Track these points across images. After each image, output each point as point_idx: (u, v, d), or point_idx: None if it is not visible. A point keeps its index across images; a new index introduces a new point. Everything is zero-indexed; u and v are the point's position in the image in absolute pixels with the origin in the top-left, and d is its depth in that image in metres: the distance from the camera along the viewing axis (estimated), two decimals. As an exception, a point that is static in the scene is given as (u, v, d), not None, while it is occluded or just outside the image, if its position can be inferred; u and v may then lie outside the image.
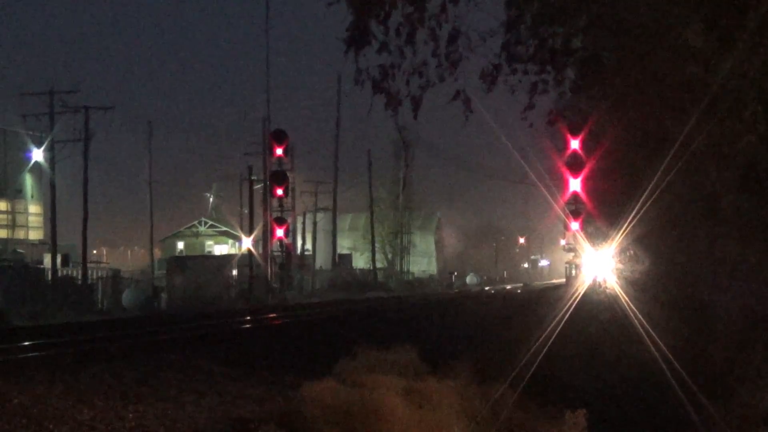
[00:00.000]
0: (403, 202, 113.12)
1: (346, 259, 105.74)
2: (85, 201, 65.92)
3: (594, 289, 35.88)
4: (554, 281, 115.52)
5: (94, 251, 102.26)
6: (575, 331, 26.37)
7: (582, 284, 31.51)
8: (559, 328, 23.65)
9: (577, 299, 28.12)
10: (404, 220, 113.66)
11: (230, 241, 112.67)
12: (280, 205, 69.03)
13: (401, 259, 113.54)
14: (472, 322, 37.81)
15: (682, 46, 13.79)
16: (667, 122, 16.00)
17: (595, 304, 32.17)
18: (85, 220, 65.91)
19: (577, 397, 18.85)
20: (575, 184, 31.10)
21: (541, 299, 42.73)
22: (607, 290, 29.06)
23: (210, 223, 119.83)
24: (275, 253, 71.97)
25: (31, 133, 71.84)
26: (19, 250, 79.73)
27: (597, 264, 32.07)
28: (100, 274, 66.84)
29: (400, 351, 21.37)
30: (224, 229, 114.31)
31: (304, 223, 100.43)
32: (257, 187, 74.93)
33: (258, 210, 73.12)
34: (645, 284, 26.10)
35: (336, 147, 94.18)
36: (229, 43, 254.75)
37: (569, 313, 25.30)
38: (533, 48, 15.07)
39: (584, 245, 34.74)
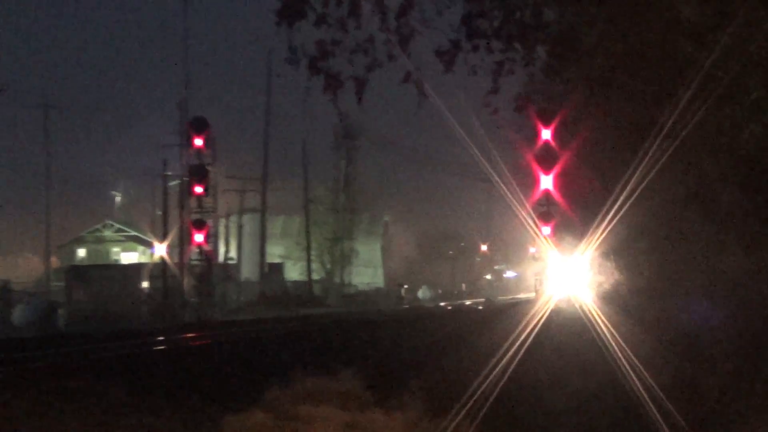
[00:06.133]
0: (344, 202, 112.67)
1: (277, 269, 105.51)
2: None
3: (564, 309, 35.92)
4: (522, 296, 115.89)
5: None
6: (544, 354, 26.40)
7: (549, 300, 31.52)
8: (524, 350, 23.68)
9: (544, 317, 28.17)
10: (346, 223, 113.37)
11: (141, 247, 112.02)
12: (200, 206, 68.51)
13: (342, 269, 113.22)
14: (425, 344, 37.74)
15: (672, 19, 13.77)
16: (654, 108, 16.00)
17: (566, 328, 32.25)
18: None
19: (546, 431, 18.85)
20: (547, 182, 31.06)
21: (505, 316, 42.83)
22: (583, 308, 29.10)
23: (117, 226, 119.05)
24: (193, 262, 71.55)
25: None
26: None
27: (569, 277, 32.02)
28: (-15, 286, 66.20)
29: (342, 378, 21.34)
30: (133, 233, 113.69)
31: (227, 226, 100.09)
32: (173, 183, 74.47)
33: (174, 211, 72.66)
34: (627, 302, 26.14)
35: (265, 138, 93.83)
36: (143, 17, 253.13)
37: (536, 332, 25.34)
38: (498, 21, 15.01)
39: (553, 254, 34.78)
